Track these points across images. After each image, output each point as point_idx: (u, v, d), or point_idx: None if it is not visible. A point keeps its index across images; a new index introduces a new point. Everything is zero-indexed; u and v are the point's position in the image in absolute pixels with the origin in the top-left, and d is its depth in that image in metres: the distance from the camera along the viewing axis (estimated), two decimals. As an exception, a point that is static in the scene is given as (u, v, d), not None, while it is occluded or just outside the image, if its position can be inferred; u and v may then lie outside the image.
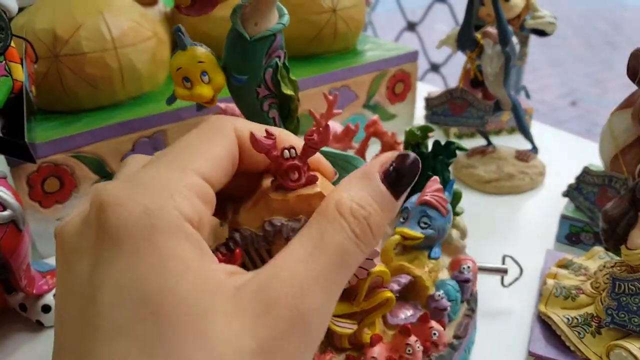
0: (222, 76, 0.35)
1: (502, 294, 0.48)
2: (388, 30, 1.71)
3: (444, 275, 0.40)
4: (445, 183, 0.43)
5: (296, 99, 0.37)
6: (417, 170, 0.22)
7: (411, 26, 1.52)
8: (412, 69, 0.74)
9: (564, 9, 3.82)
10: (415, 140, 0.44)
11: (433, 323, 0.35)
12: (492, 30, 0.60)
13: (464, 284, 0.39)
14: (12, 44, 0.44)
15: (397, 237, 0.37)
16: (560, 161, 0.69)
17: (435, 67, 1.53)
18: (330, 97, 0.45)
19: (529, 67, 0.81)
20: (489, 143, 0.69)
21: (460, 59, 0.69)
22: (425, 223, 0.37)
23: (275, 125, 0.38)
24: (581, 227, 0.54)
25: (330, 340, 0.35)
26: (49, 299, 0.47)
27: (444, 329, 0.36)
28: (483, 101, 0.63)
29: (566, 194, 0.55)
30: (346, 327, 0.33)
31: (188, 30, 0.75)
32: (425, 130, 0.44)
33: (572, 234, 0.55)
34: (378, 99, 0.73)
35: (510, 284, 0.47)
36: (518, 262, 0.47)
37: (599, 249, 0.48)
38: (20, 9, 0.58)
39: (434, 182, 0.39)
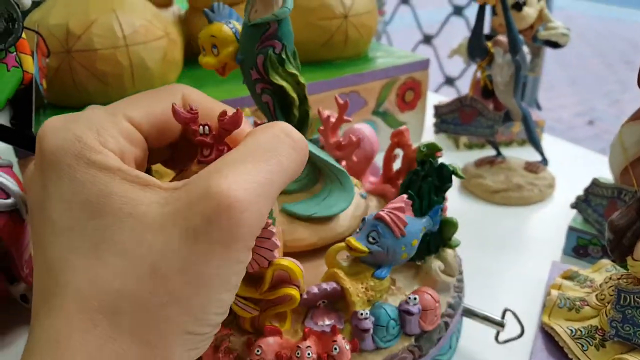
0: (229, 52, 0.38)
1: (504, 304, 0.47)
2: (404, 43, 1.71)
3: (396, 301, 0.38)
4: (430, 207, 0.39)
5: (292, 91, 0.38)
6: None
7: (427, 39, 1.52)
8: (423, 77, 0.74)
9: (582, 28, 3.80)
10: (420, 157, 0.42)
11: (338, 338, 0.33)
12: (502, 38, 0.59)
13: (405, 315, 0.36)
14: (24, 36, 0.45)
15: (342, 244, 0.36)
16: (571, 174, 0.68)
17: (450, 81, 1.52)
18: (341, 102, 0.45)
19: (547, 86, 0.81)
20: (499, 153, 0.68)
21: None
22: (374, 238, 0.35)
23: (269, 110, 0.39)
24: (589, 240, 0.53)
25: (236, 319, 0.36)
26: (50, 291, 0.47)
27: (356, 350, 0.34)
28: (493, 111, 0.63)
29: (574, 205, 0.54)
30: (245, 309, 0.33)
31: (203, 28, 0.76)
32: (431, 148, 0.41)
33: (579, 247, 0.54)
34: (387, 106, 0.73)
35: (505, 342, 0.42)
36: (520, 319, 0.42)
37: (606, 262, 0.47)
38: (36, 4, 0.59)
39: (400, 200, 0.37)
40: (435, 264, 0.40)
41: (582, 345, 0.39)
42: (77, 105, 0.58)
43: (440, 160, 0.41)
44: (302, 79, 0.38)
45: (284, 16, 0.36)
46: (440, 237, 0.41)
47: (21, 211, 0.42)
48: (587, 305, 0.41)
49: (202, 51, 0.39)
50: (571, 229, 0.53)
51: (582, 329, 0.40)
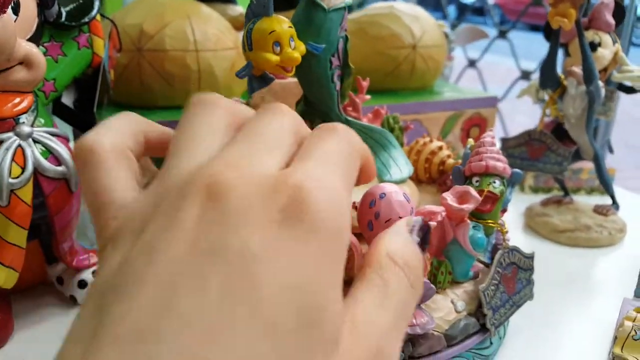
0: (303, 44, 0.35)
1: (571, 342, 0.43)
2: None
3: None
4: None
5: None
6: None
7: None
8: (490, 114, 0.72)
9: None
10: None
11: None
12: (576, 69, 0.57)
13: None
14: (98, 18, 0.46)
15: None
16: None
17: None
18: (364, 83, 0.49)
19: (613, 167, 0.76)
20: (567, 194, 0.64)
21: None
22: None
23: (338, 96, 0.38)
24: (666, 283, 0.48)
25: None
26: (87, 275, 0.46)
27: None
28: (563, 146, 0.60)
29: (651, 246, 0.49)
30: None
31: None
32: None
33: (654, 290, 0.48)
34: (451, 139, 0.71)
35: None
36: None
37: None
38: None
39: None
40: None
41: (661, 384, 0.34)
42: (142, 106, 0.59)
43: None
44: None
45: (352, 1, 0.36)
46: None
47: (70, 182, 0.42)
48: (667, 341, 0.37)
49: (273, 49, 0.34)
50: (646, 270, 0.48)
51: (661, 365, 0.35)
